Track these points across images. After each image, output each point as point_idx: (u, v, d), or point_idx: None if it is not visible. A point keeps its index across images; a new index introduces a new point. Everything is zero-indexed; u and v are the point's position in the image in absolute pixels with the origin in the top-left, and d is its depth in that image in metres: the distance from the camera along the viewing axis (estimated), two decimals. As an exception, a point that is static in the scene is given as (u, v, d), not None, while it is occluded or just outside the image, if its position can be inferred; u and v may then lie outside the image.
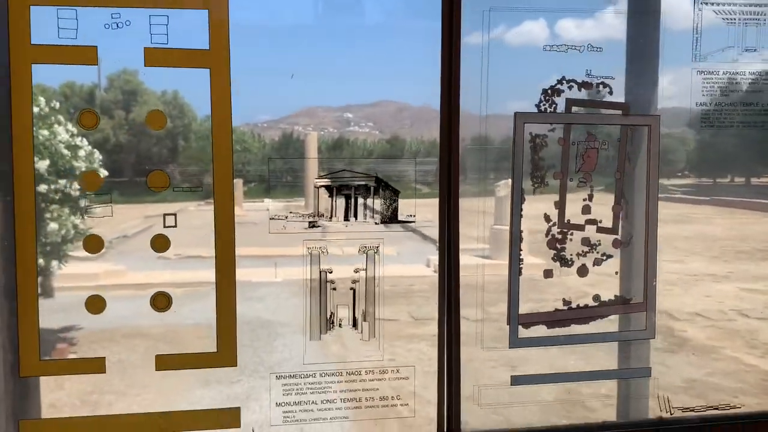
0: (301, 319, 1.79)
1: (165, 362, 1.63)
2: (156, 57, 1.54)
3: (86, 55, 1.51)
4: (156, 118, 1.61)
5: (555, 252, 1.87)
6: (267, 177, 1.79)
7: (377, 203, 1.84)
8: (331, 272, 1.79)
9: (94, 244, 1.62)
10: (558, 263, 1.87)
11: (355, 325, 1.81)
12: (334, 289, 1.80)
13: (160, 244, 1.63)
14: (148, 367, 1.62)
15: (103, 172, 1.77)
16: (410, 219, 1.84)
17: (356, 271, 1.81)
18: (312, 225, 1.79)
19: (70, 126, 2.60)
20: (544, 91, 1.81)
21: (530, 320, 1.86)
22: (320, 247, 1.78)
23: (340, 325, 1.81)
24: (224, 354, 1.65)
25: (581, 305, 1.89)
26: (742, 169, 2.69)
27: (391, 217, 1.84)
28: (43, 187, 1.54)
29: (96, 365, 1.60)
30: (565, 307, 1.88)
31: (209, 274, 1.68)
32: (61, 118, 2.53)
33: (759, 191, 2.81)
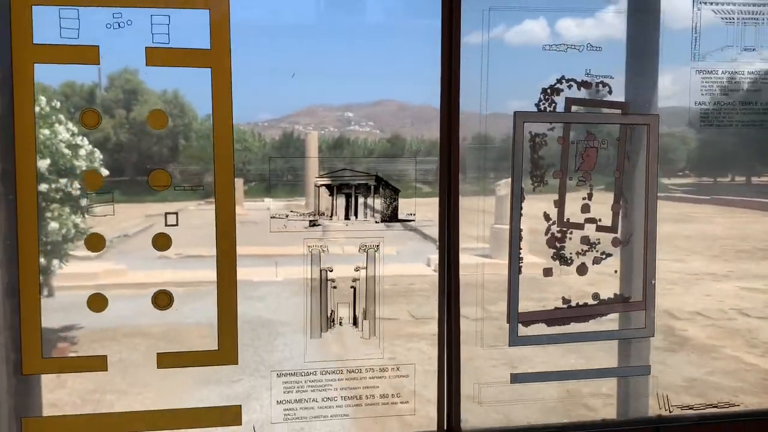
0: (302, 318, 1.79)
1: (166, 360, 1.63)
2: (157, 56, 1.55)
3: (88, 54, 1.51)
4: (157, 117, 1.62)
5: (555, 251, 1.88)
6: (268, 176, 1.79)
7: (377, 202, 1.84)
8: (331, 270, 1.80)
9: (95, 243, 1.62)
10: (558, 262, 1.87)
11: (355, 323, 1.82)
12: (335, 287, 1.80)
13: (161, 242, 1.64)
14: (149, 366, 1.63)
15: (104, 172, 1.77)
16: (410, 218, 1.85)
17: (357, 269, 1.81)
18: (313, 224, 1.79)
19: (70, 125, 2.60)
20: (544, 91, 1.81)
21: (530, 318, 1.86)
22: (321, 246, 1.79)
23: (340, 324, 1.81)
24: (225, 352, 1.66)
25: (581, 304, 1.89)
26: (743, 168, 2.70)
27: (391, 216, 1.84)
28: (43, 187, 1.54)
29: (98, 363, 1.60)
30: (565, 306, 1.88)
31: (210, 274, 1.68)
32: (61, 117, 2.53)
33: (759, 190, 2.81)
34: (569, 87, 1.82)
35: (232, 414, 1.68)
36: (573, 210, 1.87)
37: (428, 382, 1.85)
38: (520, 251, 1.83)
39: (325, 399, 1.77)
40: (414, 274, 5.66)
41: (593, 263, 1.90)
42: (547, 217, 1.87)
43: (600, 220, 1.89)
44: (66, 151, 2.65)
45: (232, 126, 1.60)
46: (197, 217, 1.93)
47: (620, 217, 1.91)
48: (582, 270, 1.89)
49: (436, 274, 1.81)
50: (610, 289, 1.93)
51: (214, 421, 1.67)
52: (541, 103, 1.82)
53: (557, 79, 1.81)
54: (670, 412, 1.95)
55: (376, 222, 1.83)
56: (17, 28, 1.47)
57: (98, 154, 2.40)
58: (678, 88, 1.94)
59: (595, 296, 1.91)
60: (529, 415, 1.91)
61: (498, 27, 1.81)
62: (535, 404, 1.92)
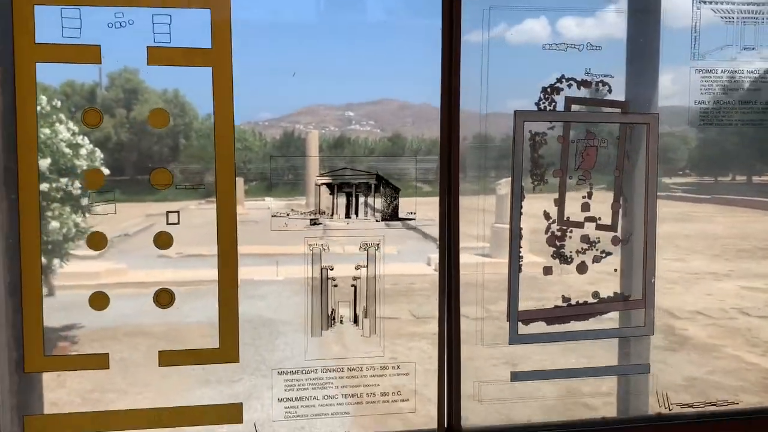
0: (303, 317, 1.79)
1: (168, 358, 1.64)
2: (159, 56, 1.55)
3: (90, 54, 1.52)
4: (159, 116, 1.62)
5: (554, 249, 1.88)
6: (269, 175, 1.80)
7: (378, 201, 1.85)
8: (332, 269, 1.80)
9: (97, 241, 1.62)
10: (557, 260, 1.88)
11: (356, 321, 1.82)
12: (335, 285, 1.81)
13: (163, 241, 1.64)
14: (150, 366, 1.63)
15: (105, 171, 1.77)
16: (411, 216, 1.85)
17: (357, 267, 1.82)
18: (314, 222, 1.80)
19: (71, 124, 2.60)
20: (544, 90, 1.81)
21: (530, 317, 1.86)
22: (321, 245, 1.79)
23: (341, 322, 1.82)
24: (227, 350, 1.66)
25: (580, 302, 1.90)
26: (744, 167, 2.70)
27: (391, 215, 1.85)
28: (44, 186, 1.55)
29: (99, 361, 1.61)
30: (565, 304, 1.89)
31: (210, 273, 1.68)
32: (62, 116, 2.54)
33: (760, 189, 2.81)
34: (569, 86, 1.82)
35: (233, 411, 1.69)
36: (573, 209, 1.88)
37: (429, 382, 1.86)
38: (520, 250, 1.84)
39: (325, 397, 1.77)
40: (414, 274, 5.67)
41: (593, 262, 1.90)
42: (547, 215, 1.87)
43: (600, 218, 1.90)
44: (66, 150, 2.66)
45: (234, 125, 1.61)
46: (198, 217, 1.94)
47: (620, 215, 1.92)
48: (582, 268, 1.89)
49: (437, 273, 1.81)
50: (609, 287, 1.93)
51: (216, 419, 1.68)
52: (541, 102, 1.82)
53: (557, 78, 1.81)
54: (669, 410, 1.95)
55: (377, 220, 1.83)
56: (19, 28, 1.47)
57: (99, 154, 2.41)
58: (678, 87, 1.95)
59: (595, 295, 1.92)
60: (530, 413, 1.92)
61: (498, 26, 1.81)
62: (536, 403, 1.93)
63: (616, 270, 1.94)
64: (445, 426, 1.82)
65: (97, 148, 2.42)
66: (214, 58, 1.57)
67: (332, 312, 1.81)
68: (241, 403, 1.69)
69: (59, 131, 2.63)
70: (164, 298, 1.65)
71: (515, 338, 1.86)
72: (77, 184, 2.47)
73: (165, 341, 1.87)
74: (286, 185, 1.93)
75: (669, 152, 2.16)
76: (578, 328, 1.89)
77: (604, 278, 1.92)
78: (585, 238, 1.89)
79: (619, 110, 1.88)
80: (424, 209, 1.86)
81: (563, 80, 1.82)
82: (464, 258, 1.80)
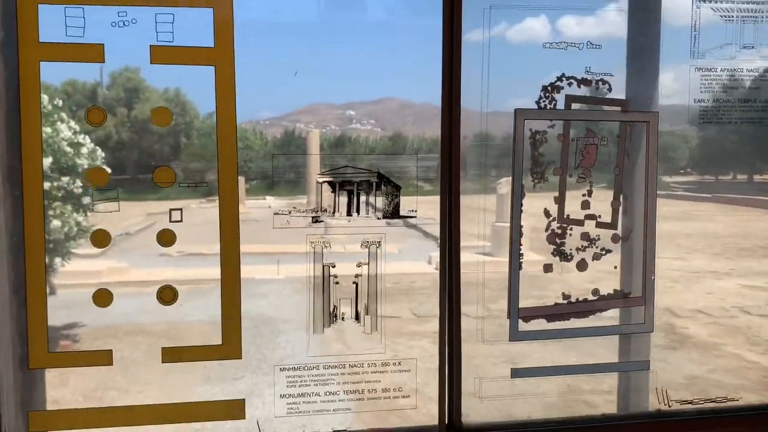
0: (304, 315, 1.80)
1: (171, 354, 1.65)
2: (162, 54, 1.56)
3: (93, 52, 1.52)
4: (162, 114, 1.63)
5: (555, 247, 1.89)
6: (271, 174, 1.80)
7: (379, 200, 1.85)
8: (334, 266, 1.81)
9: (101, 238, 1.63)
10: (558, 258, 1.88)
11: (357, 318, 1.83)
12: (337, 283, 1.81)
13: (166, 238, 1.65)
14: (151, 364, 1.64)
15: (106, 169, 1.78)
16: (412, 214, 1.86)
17: (359, 265, 1.82)
18: (315, 220, 1.80)
19: (72, 123, 2.61)
20: (544, 88, 1.82)
21: (530, 314, 1.87)
22: (323, 242, 1.80)
23: (342, 319, 1.82)
24: (229, 346, 1.67)
25: (580, 299, 1.90)
26: (744, 165, 2.70)
27: (393, 213, 1.86)
28: (45, 185, 1.55)
29: (103, 357, 1.62)
30: (565, 301, 1.89)
31: (211, 271, 1.69)
32: (63, 115, 2.54)
33: (761, 188, 2.82)
34: (569, 84, 1.83)
35: (236, 407, 1.70)
36: (573, 207, 1.88)
37: (429, 380, 1.86)
38: (521, 247, 1.84)
39: (327, 393, 1.78)
40: (416, 272, 5.67)
41: (593, 259, 1.91)
42: (547, 213, 1.88)
43: (600, 216, 1.90)
44: (68, 149, 2.66)
45: (236, 123, 1.62)
46: (199, 216, 1.95)
47: (620, 213, 1.92)
48: (582, 266, 1.90)
49: (438, 271, 1.82)
50: (609, 284, 1.94)
51: (219, 415, 1.69)
52: (541, 101, 1.83)
53: (558, 77, 1.82)
54: (669, 407, 1.96)
55: (378, 218, 1.84)
56: (23, 27, 1.48)
57: (100, 153, 2.42)
58: (678, 85, 1.95)
59: (595, 292, 1.92)
60: (530, 410, 1.92)
61: (499, 25, 1.82)
62: (536, 400, 1.93)
63: (616, 267, 1.94)
64: (446, 423, 1.83)
65: (98, 147, 2.43)
66: (216, 57, 1.58)
67: (334, 309, 1.82)
68: (244, 399, 1.70)
69: (60, 130, 2.63)
70: (168, 295, 1.66)
71: (516, 335, 1.87)
72: (78, 182, 2.48)
73: (166, 339, 1.88)
74: (288, 184, 1.93)
75: (669, 151, 2.16)
76: (578, 325, 1.90)
77: (604, 276, 1.92)
78: (585, 236, 1.90)
79: (619, 108, 1.89)
80: (425, 208, 1.87)
81: (563, 79, 1.82)
82: (465, 256, 1.81)
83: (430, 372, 1.86)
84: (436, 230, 1.81)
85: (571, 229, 1.88)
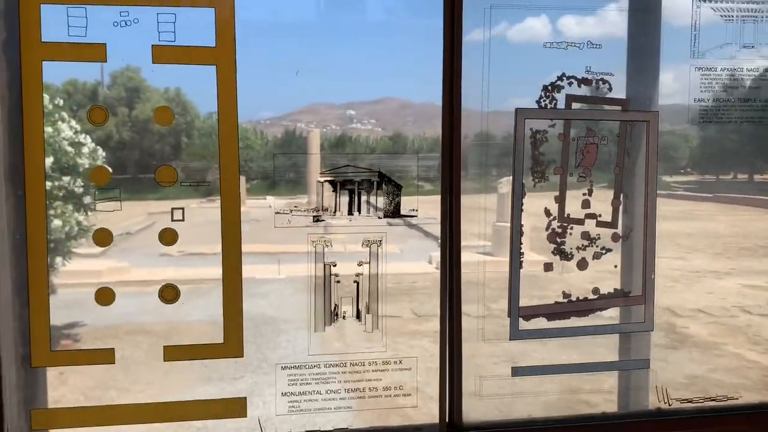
0: (305, 315, 1.80)
1: (173, 353, 1.65)
2: (163, 54, 1.56)
3: (95, 52, 1.53)
4: (163, 114, 1.63)
5: (555, 246, 1.89)
6: (272, 173, 1.80)
7: (380, 199, 1.86)
8: (335, 266, 1.81)
9: (103, 237, 1.64)
10: (558, 257, 1.89)
11: (358, 317, 1.84)
12: (338, 282, 1.82)
13: (168, 237, 1.65)
14: (152, 364, 1.64)
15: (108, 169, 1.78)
16: (413, 213, 1.86)
17: (360, 264, 1.83)
18: (316, 219, 1.81)
19: (73, 123, 2.62)
20: (545, 88, 1.82)
21: (530, 313, 1.87)
22: (324, 241, 1.80)
23: (344, 317, 1.83)
24: (231, 344, 1.67)
25: (581, 298, 1.91)
26: (744, 165, 2.71)
27: (393, 212, 1.86)
28: (46, 184, 1.56)
29: (105, 356, 1.62)
30: (565, 300, 1.90)
31: (212, 271, 1.69)
32: (64, 115, 2.55)
33: (762, 188, 2.82)
34: (570, 84, 1.83)
35: (237, 406, 1.70)
36: (573, 206, 1.89)
37: (430, 380, 1.87)
38: (521, 247, 1.85)
39: (328, 392, 1.79)
40: (416, 272, 5.68)
41: (593, 258, 1.91)
42: (547, 212, 1.88)
43: (600, 215, 1.91)
44: (69, 148, 2.66)
45: (237, 122, 1.62)
46: (199, 215, 1.95)
47: (620, 212, 1.93)
48: (582, 265, 1.90)
49: (438, 271, 1.82)
50: (610, 283, 1.94)
51: (220, 413, 1.69)
52: (541, 100, 1.83)
53: (558, 77, 1.82)
54: (669, 405, 1.96)
55: (379, 217, 1.84)
56: (26, 27, 1.48)
57: (101, 152, 2.42)
58: (678, 85, 1.96)
59: (595, 291, 1.93)
60: (530, 409, 1.92)
61: (499, 25, 1.82)
62: (536, 399, 1.94)
63: (616, 266, 1.95)
64: (447, 421, 1.83)
65: (98, 147, 2.44)
66: (218, 57, 1.58)
67: (335, 308, 1.82)
68: (245, 398, 1.70)
69: (61, 129, 2.63)
70: (169, 293, 1.67)
71: (516, 334, 1.87)
72: (79, 182, 2.48)
73: (167, 339, 1.88)
74: (288, 184, 1.94)
75: (670, 150, 2.17)
76: (579, 324, 1.90)
77: (605, 275, 1.93)
78: (585, 235, 1.90)
79: (619, 108, 1.89)
80: (426, 207, 1.87)
81: (564, 78, 1.83)
82: (466, 256, 1.81)
83: (431, 371, 1.86)
84: (436, 230, 1.82)
85: (571, 228, 1.89)
